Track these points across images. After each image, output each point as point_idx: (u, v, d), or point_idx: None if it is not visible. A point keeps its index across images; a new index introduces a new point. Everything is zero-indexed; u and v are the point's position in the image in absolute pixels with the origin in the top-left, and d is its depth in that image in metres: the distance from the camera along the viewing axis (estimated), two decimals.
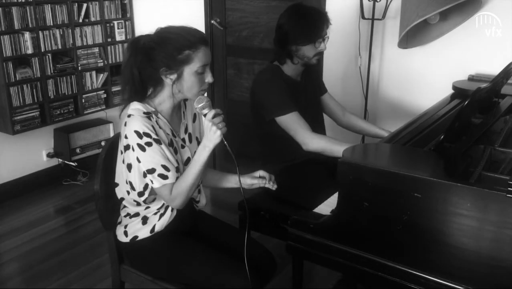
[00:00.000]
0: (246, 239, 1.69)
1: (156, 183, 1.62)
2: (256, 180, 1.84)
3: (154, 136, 1.60)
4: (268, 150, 2.32)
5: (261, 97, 2.18)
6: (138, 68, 1.61)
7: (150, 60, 1.60)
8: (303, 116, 2.13)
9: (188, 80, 1.62)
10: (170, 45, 1.58)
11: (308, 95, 2.31)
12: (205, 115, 1.60)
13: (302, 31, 2.09)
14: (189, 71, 1.61)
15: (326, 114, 2.47)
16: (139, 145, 1.59)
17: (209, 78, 1.66)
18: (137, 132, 1.58)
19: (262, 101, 2.18)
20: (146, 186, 1.65)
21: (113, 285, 1.93)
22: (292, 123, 2.09)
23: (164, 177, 1.62)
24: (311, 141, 2.06)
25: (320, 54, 2.17)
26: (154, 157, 1.60)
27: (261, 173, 1.85)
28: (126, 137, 1.61)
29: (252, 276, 1.65)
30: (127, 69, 1.63)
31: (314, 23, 2.09)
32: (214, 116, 1.58)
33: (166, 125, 1.69)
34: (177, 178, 1.65)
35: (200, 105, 1.60)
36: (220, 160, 3.79)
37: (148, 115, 1.62)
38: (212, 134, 1.58)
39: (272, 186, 1.84)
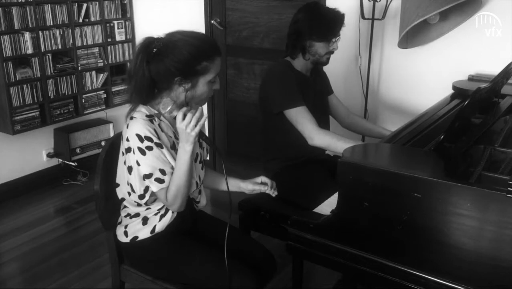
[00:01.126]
0: (227, 231, 1.67)
1: (154, 187, 1.62)
2: (258, 186, 1.84)
3: (155, 140, 1.60)
4: (270, 146, 2.33)
5: (271, 89, 2.20)
6: (151, 74, 1.60)
7: (164, 67, 1.58)
8: (311, 112, 2.14)
9: (202, 88, 1.64)
10: (187, 55, 1.57)
11: (317, 92, 2.34)
12: (175, 118, 1.58)
13: (318, 27, 2.13)
14: (204, 81, 1.63)
15: (331, 115, 2.49)
16: (139, 148, 1.59)
17: (217, 86, 1.69)
18: (138, 135, 1.58)
19: (272, 94, 2.20)
20: (146, 188, 1.65)
21: (113, 285, 1.93)
22: (301, 117, 2.11)
23: (160, 181, 1.62)
24: (317, 136, 2.08)
25: (331, 54, 2.21)
26: (153, 161, 1.60)
27: (263, 179, 1.86)
28: (127, 140, 1.61)
29: (252, 276, 1.65)
30: (139, 74, 1.60)
31: (331, 21, 2.14)
32: (184, 117, 1.56)
33: (169, 128, 1.69)
34: None
35: (167, 109, 1.57)
36: (220, 159, 3.79)
37: (150, 118, 1.62)
38: (187, 136, 1.56)
39: (273, 193, 1.85)
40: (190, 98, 1.66)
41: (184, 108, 1.56)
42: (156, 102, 1.67)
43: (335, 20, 2.15)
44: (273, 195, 1.85)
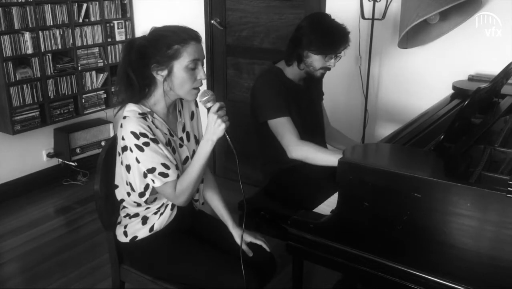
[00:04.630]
0: (241, 238, 1.71)
1: (157, 182, 1.62)
2: (254, 240, 1.84)
3: (151, 136, 1.60)
4: (266, 150, 2.32)
5: (258, 99, 2.17)
6: (132, 68, 1.61)
7: (142, 58, 1.60)
8: (304, 120, 2.12)
9: (179, 76, 1.61)
10: (161, 42, 1.59)
11: (310, 100, 2.30)
12: (209, 109, 1.60)
13: (318, 40, 2.05)
14: (179, 66, 1.60)
15: None
16: (137, 146, 1.59)
17: (201, 75, 1.63)
18: (133, 133, 1.58)
19: (258, 103, 2.17)
20: (146, 186, 1.65)
21: (113, 285, 1.93)
22: (281, 128, 2.06)
23: (164, 175, 1.62)
24: (295, 148, 2.02)
25: (326, 69, 2.14)
26: (153, 156, 1.60)
27: (258, 241, 1.85)
28: (123, 138, 1.61)
29: (252, 276, 1.65)
30: (121, 70, 1.63)
31: (333, 37, 2.05)
32: (218, 109, 1.58)
33: (163, 125, 1.69)
34: (178, 175, 1.66)
35: (204, 98, 1.60)
36: (220, 160, 3.79)
37: (143, 116, 1.62)
38: (216, 127, 1.58)
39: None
40: (169, 88, 1.64)
41: (222, 103, 1.60)
42: (146, 99, 1.68)
43: (337, 36, 2.05)
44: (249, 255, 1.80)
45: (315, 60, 2.09)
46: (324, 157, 1.93)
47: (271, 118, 2.09)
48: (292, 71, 2.19)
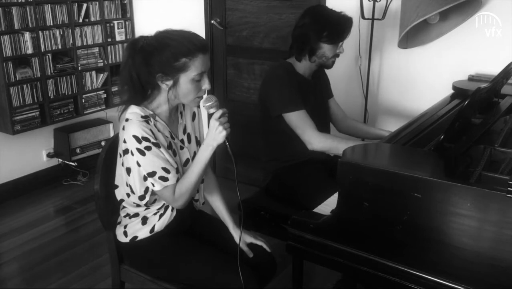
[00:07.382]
0: (240, 237, 1.71)
1: (157, 185, 1.62)
2: (254, 240, 1.85)
3: (152, 140, 1.60)
4: (270, 147, 2.33)
5: (271, 92, 2.18)
6: (135, 70, 1.60)
7: (147, 64, 1.58)
8: (311, 116, 2.13)
9: (184, 87, 1.61)
10: (168, 52, 1.56)
11: (317, 96, 2.32)
12: (211, 114, 1.60)
13: (329, 30, 2.11)
14: (185, 78, 1.59)
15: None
16: (138, 150, 1.58)
17: (206, 86, 1.64)
18: (135, 137, 1.58)
19: (271, 96, 2.18)
20: (146, 189, 1.65)
21: (113, 285, 1.93)
22: (300, 121, 2.10)
23: (164, 179, 1.62)
24: (317, 140, 2.07)
25: (336, 57, 2.21)
26: (154, 160, 1.60)
27: (258, 242, 1.85)
28: (124, 141, 1.61)
29: (252, 276, 1.65)
30: (125, 71, 1.62)
31: (342, 25, 2.13)
32: (221, 116, 1.59)
33: (165, 128, 1.69)
34: (177, 179, 1.66)
35: (208, 104, 1.61)
36: (220, 160, 3.79)
37: (146, 119, 1.62)
38: (217, 134, 1.58)
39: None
40: (173, 97, 1.64)
41: (225, 109, 1.61)
42: (149, 102, 1.67)
43: (345, 22, 2.13)
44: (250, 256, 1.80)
45: (328, 50, 2.16)
46: (347, 146, 1.95)
47: (288, 112, 2.11)
48: (302, 66, 2.23)
